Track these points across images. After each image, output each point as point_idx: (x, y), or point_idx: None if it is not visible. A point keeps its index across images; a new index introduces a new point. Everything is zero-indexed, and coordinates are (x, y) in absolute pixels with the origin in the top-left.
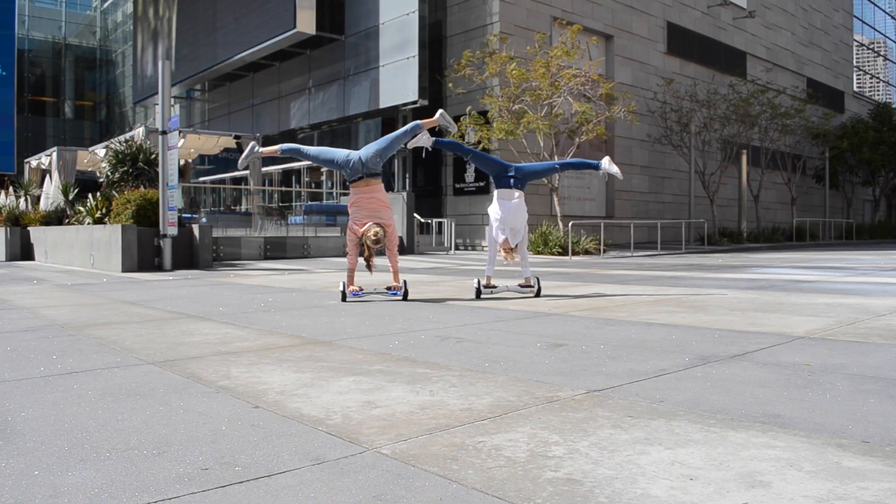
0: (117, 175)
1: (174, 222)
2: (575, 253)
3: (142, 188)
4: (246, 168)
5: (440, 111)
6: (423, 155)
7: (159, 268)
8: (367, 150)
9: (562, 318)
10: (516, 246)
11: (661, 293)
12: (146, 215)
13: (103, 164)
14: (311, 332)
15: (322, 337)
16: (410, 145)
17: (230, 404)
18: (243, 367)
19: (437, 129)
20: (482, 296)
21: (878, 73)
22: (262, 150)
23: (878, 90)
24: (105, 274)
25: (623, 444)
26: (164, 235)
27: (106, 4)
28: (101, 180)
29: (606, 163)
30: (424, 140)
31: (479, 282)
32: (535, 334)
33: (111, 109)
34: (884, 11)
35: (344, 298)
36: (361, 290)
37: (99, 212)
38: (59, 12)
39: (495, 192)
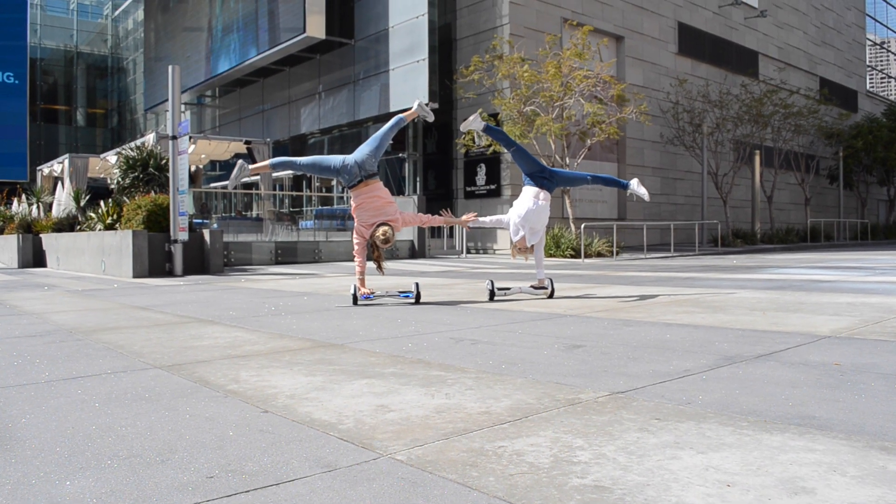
0: (128, 181)
1: (185, 227)
2: (587, 255)
3: (152, 193)
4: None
5: (417, 101)
6: (484, 114)
7: (170, 273)
8: (360, 153)
9: (578, 320)
10: (532, 246)
11: (677, 294)
12: (157, 221)
13: (114, 170)
14: (322, 335)
15: (333, 340)
16: (463, 128)
17: (238, 409)
18: (252, 370)
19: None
20: (495, 298)
21: (890, 72)
22: (251, 167)
23: (892, 89)
24: (116, 280)
25: (652, 448)
26: (175, 241)
27: (117, 12)
28: (112, 186)
29: (635, 184)
30: (476, 124)
31: (492, 283)
32: (552, 336)
33: (123, 117)
34: None
35: (355, 301)
36: (373, 293)
37: (110, 218)
38: (70, 21)
39: (525, 189)
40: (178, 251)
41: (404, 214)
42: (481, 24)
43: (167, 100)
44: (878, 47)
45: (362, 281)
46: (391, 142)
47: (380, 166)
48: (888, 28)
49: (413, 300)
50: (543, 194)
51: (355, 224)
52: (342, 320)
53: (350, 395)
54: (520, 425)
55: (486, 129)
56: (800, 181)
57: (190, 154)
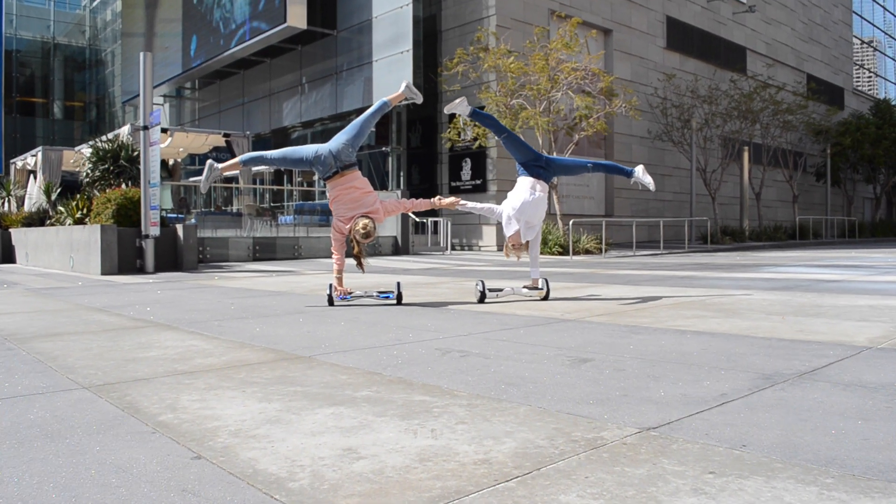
0: (98, 173)
1: (156, 222)
2: (576, 252)
3: (124, 186)
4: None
5: (405, 82)
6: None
7: (141, 270)
8: (336, 142)
9: (579, 326)
10: (527, 243)
11: (680, 295)
12: (127, 215)
13: (83, 162)
14: (288, 345)
15: (301, 350)
16: (448, 111)
17: (164, 452)
18: (197, 393)
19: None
20: (486, 300)
21: (876, 70)
22: (221, 166)
23: (876, 86)
24: (83, 277)
25: None
26: (146, 236)
27: (95, 3)
28: (82, 179)
29: (640, 172)
30: (462, 108)
31: (482, 284)
32: (553, 346)
33: (101, 110)
34: (883, 7)
35: (331, 303)
36: (351, 293)
37: (80, 212)
38: (47, 11)
39: (519, 180)
40: (149, 247)
41: (385, 203)
42: (467, 14)
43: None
44: (865, 46)
45: (339, 280)
46: (373, 129)
47: (361, 160)
48: (874, 26)
49: (394, 301)
50: (540, 185)
51: (333, 218)
52: (314, 325)
53: (310, 432)
54: (531, 485)
55: (473, 115)
56: (787, 178)
57: (167, 147)
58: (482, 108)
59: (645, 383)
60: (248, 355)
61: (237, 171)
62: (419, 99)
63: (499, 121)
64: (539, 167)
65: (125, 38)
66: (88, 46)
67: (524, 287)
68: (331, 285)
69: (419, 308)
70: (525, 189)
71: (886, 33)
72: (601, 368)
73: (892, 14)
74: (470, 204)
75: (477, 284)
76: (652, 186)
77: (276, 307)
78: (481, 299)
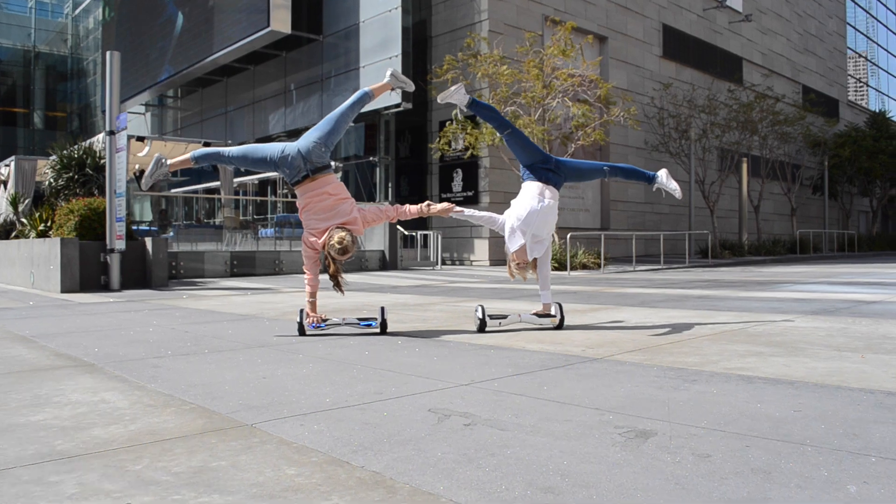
0: (61, 182)
1: (122, 235)
2: (573, 268)
3: (95, 195)
4: (152, 187)
5: (389, 71)
6: (460, 111)
7: (106, 287)
8: (307, 140)
9: (611, 369)
10: (534, 261)
11: (711, 321)
12: (92, 227)
13: (45, 171)
14: (231, 401)
15: (244, 412)
16: (442, 99)
17: None
18: None
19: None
20: (487, 328)
21: (869, 82)
22: (170, 161)
23: (869, 98)
24: (41, 295)
25: None
26: (112, 250)
27: (77, 11)
28: (43, 188)
29: (664, 176)
30: (458, 97)
31: (482, 311)
32: (590, 405)
33: (84, 119)
34: (876, 20)
35: (302, 332)
36: (325, 320)
37: (43, 224)
38: (28, 19)
39: (525, 185)
40: (114, 262)
41: (365, 212)
42: (458, 20)
43: (126, 100)
44: (859, 58)
45: (313, 305)
46: (352, 123)
47: (347, 171)
48: (868, 38)
49: (378, 329)
50: (549, 191)
51: (304, 232)
52: (274, 366)
53: None
54: None
55: (472, 104)
56: (785, 191)
57: (145, 157)
58: (474, 116)
59: (755, 486)
60: (169, 422)
61: (223, 183)
62: (410, 87)
63: (500, 115)
64: (548, 170)
65: (105, 45)
66: (70, 55)
67: (533, 314)
68: (302, 311)
69: (407, 340)
70: (532, 195)
71: (879, 44)
72: (674, 451)
73: (885, 26)
74: (467, 211)
75: (476, 310)
76: (678, 193)
77: (236, 337)
78: (481, 328)
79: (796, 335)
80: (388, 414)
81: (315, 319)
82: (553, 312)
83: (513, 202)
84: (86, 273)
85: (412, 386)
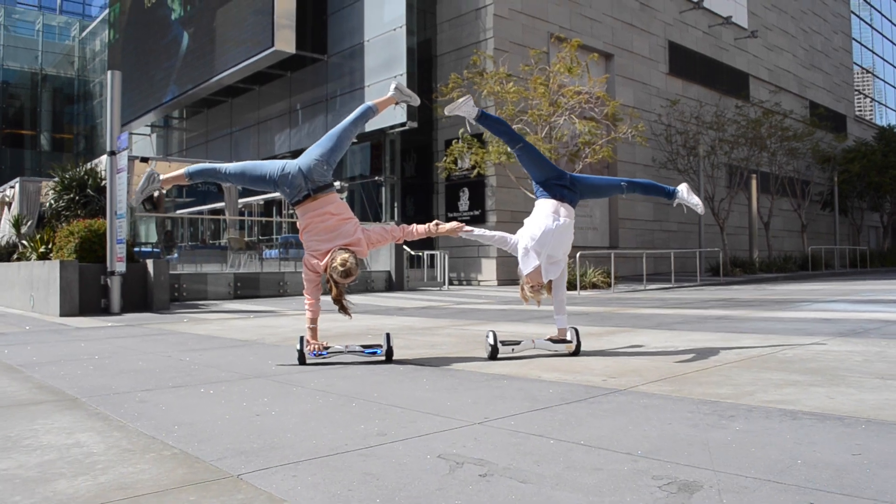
0: (62, 203)
1: (122, 257)
2: (583, 287)
3: (99, 217)
4: (148, 205)
5: (394, 84)
6: (467, 130)
7: (106, 310)
8: (308, 157)
9: (637, 402)
10: (549, 283)
11: (737, 345)
12: (92, 249)
13: (46, 192)
14: (217, 445)
15: (230, 459)
16: (449, 112)
17: None
18: None
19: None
20: (499, 355)
21: (876, 97)
22: (163, 177)
23: (875, 114)
24: (40, 318)
25: None
26: (112, 272)
27: (84, 33)
28: (44, 210)
29: (685, 191)
30: (466, 109)
31: (494, 337)
32: (621, 449)
33: (90, 141)
34: (881, 34)
35: (302, 361)
36: (327, 347)
37: (44, 246)
38: (35, 42)
39: (538, 203)
40: (115, 285)
41: (370, 232)
42: (463, 38)
43: (132, 121)
44: (865, 73)
45: (313, 331)
46: (358, 143)
47: (353, 191)
48: (874, 53)
49: (383, 357)
50: (565, 209)
51: (305, 254)
52: (270, 401)
53: None
54: None
55: (482, 117)
56: (795, 207)
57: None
58: (481, 135)
59: None
60: (145, 472)
61: (231, 192)
62: (415, 101)
63: (511, 128)
64: (563, 186)
65: (111, 66)
66: (77, 77)
67: (548, 339)
68: (302, 338)
69: (414, 368)
70: (546, 214)
71: (886, 60)
72: None
73: (891, 41)
74: (477, 231)
75: (487, 336)
76: (700, 209)
77: (233, 366)
78: (493, 355)
79: (832, 361)
80: (393, 461)
81: (316, 347)
82: (569, 338)
83: (526, 221)
84: (85, 296)
85: (420, 425)
